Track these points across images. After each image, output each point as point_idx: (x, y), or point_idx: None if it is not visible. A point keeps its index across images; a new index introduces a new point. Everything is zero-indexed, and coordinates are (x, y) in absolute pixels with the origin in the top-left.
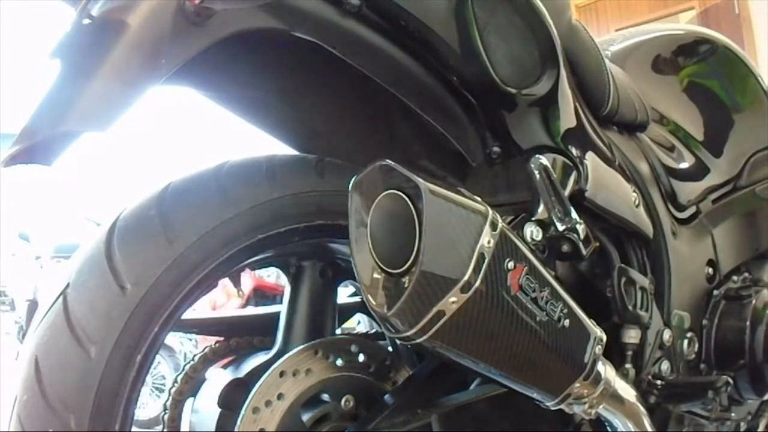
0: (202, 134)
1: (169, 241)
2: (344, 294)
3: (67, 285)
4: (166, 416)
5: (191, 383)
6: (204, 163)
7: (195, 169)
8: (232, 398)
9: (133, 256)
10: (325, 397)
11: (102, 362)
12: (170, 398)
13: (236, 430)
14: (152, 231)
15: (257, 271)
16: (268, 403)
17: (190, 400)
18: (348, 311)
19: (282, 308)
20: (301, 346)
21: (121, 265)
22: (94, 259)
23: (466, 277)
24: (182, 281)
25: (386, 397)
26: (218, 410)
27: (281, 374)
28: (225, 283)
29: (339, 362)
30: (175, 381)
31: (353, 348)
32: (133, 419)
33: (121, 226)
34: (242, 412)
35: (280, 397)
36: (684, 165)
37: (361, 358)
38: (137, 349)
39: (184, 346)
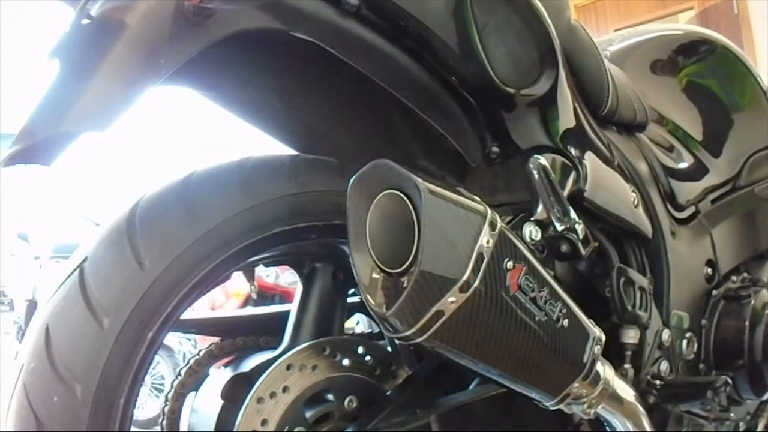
0: (202, 134)
1: (191, 224)
2: None
3: (85, 258)
4: (167, 408)
5: (195, 377)
6: (227, 156)
7: (219, 161)
8: (236, 391)
9: (154, 235)
10: (328, 395)
11: (113, 335)
12: (173, 390)
13: (239, 419)
14: (174, 212)
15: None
16: (272, 395)
17: (190, 398)
18: (347, 311)
19: (292, 307)
20: (310, 342)
21: (141, 242)
22: (115, 235)
23: (465, 277)
24: (199, 264)
25: (385, 397)
26: (220, 403)
27: (288, 367)
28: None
29: (345, 362)
30: (179, 374)
31: (360, 349)
32: (138, 395)
33: (144, 206)
34: (246, 401)
35: (285, 389)
36: (683, 165)
37: (368, 359)
38: (149, 327)
39: (183, 346)
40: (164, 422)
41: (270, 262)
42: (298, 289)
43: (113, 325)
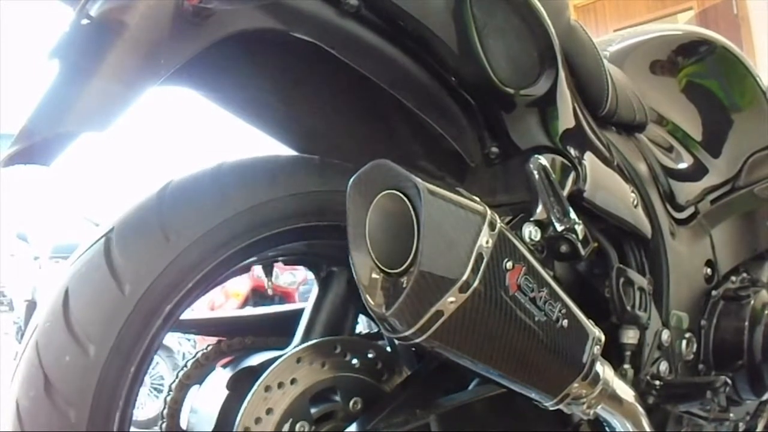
0: (201, 135)
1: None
2: None
3: (112, 228)
4: (169, 397)
5: (201, 369)
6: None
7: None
8: (243, 383)
9: (185, 213)
10: (334, 393)
11: (134, 301)
12: (177, 380)
13: (245, 405)
14: (203, 196)
15: (255, 272)
16: (280, 385)
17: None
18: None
19: (307, 307)
20: (322, 339)
21: (170, 218)
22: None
23: (464, 277)
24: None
25: (385, 397)
26: (224, 395)
27: (298, 360)
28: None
29: (354, 362)
30: (185, 365)
31: (371, 352)
32: (149, 365)
33: (175, 187)
34: (254, 388)
35: (293, 381)
36: (682, 165)
37: (374, 360)
38: (169, 298)
39: (183, 346)
40: (166, 410)
41: (289, 261)
42: (314, 291)
43: (134, 292)
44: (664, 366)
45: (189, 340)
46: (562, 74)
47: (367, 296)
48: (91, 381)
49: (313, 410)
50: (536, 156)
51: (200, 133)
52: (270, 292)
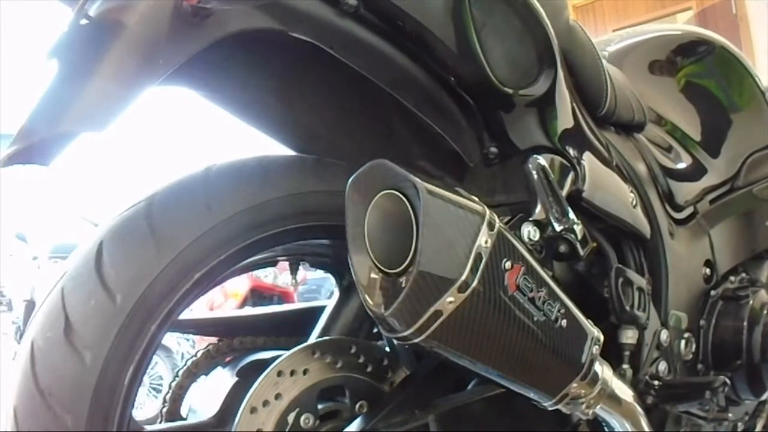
0: (200, 135)
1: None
2: None
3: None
4: (174, 383)
5: (211, 360)
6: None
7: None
8: (253, 370)
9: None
10: (342, 393)
11: (169, 259)
12: (186, 368)
13: (255, 387)
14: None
15: (254, 272)
16: (293, 373)
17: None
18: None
19: (327, 308)
20: (340, 337)
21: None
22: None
23: (463, 277)
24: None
25: (384, 397)
26: (232, 382)
27: (313, 352)
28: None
29: (369, 368)
30: (195, 354)
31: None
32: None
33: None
34: (266, 372)
35: (306, 372)
36: (681, 165)
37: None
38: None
39: (182, 346)
40: (169, 395)
41: (314, 264)
42: (335, 295)
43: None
44: (662, 366)
45: (188, 340)
46: (560, 74)
47: (366, 296)
48: (113, 327)
49: (320, 405)
50: (535, 156)
51: (199, 134)
52: (292, 289)
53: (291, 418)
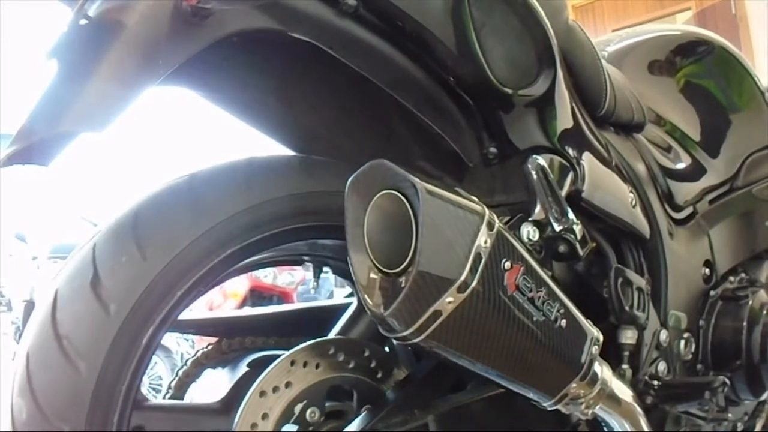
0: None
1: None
2: (341, 294)
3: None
4: (182, 371)
5: (218, 354)
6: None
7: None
8: (263, 364)
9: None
10: (350, 394)
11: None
12: (196, 357)
13: (266, 373)
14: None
15: (254, 272)
16: (306, 364)
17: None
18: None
19: (350, 306)
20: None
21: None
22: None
23: (462, 277)
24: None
25: (383, 397)
26: (242, 372)
27: (329, 349)
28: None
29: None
30: (207, 346)
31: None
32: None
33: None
34: (279, 360)
35: (318, 366)
36: (681, 165)
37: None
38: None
39: (181, 346)
40: (175, 382)
41: (336, 273)
42: (354, 303)
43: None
44: (662, 366)
45: (187, 340)
46: (560, 74)
47: (366, 296)
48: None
49: (328, 402)
50: (534, 156)
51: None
52: (313, 292)
53: (298, 408)
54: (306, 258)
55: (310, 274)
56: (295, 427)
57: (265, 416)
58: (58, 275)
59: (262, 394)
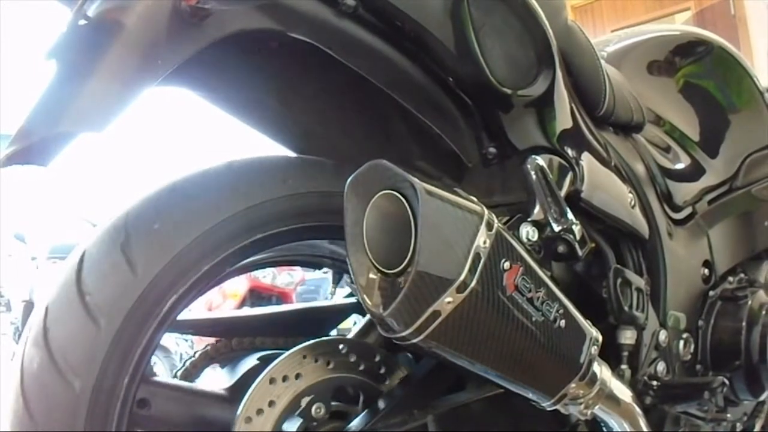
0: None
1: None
2: (340, 295)
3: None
4: (189, 362)
5: (227, 351)
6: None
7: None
8: (274, 357)
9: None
10: (356, 396)
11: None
12: (204, 351)
13: (279, 360)
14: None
15: (253, 272)
16: (317, 359)
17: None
18: (344, 312)
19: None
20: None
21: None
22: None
23: (461, 278)
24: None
25: (382, 397)
26: (252, 364)
27: (341, 345)
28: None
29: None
30: (218, 341)
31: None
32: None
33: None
34: (292, 350)
35: (329, 363)
36: (680, 166)
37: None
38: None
39: (180, 346)
40: (181, 372)
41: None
42: None
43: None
44: (661, 366)
45: (186, 340)
46: (559, 75)
47: (365, 296)
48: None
49: (334, 402)
50: (533, 156)
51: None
52: (330, 297)
53: (304, 401)
54: (327, 262)
55: (309, 275)
56: (300, 420)
57: (271, 403)
58: (88, 238)
59: (272, 381)
